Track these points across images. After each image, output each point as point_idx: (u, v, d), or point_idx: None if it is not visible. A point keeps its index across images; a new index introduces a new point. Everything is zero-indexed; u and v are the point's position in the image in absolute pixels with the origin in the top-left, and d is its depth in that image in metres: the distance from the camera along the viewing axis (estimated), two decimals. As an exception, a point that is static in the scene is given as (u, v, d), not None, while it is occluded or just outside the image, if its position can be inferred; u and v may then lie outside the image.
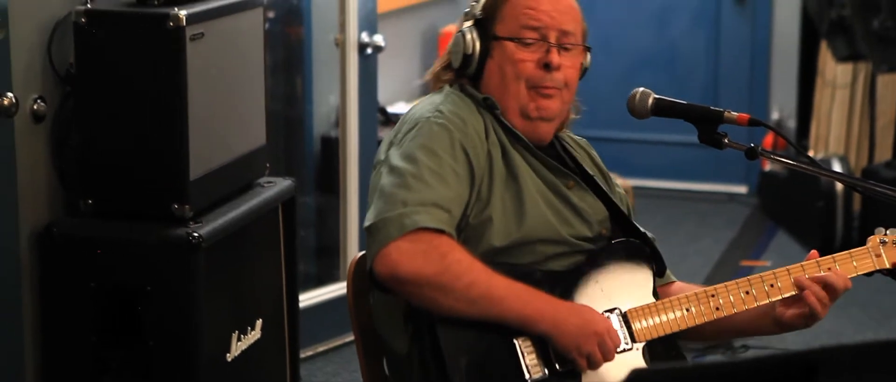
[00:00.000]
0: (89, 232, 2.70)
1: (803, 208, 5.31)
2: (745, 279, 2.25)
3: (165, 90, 2.64)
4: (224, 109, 2.83)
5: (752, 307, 2.22)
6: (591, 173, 2.36)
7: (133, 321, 2.68)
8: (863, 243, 2.34)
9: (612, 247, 2.26)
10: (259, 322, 2.98)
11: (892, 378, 1.51)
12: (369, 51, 4.10)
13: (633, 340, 2.18)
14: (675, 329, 2.20)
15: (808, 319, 2.22)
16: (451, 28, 5.40)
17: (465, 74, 2.29)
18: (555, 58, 2.25)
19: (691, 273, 4.54)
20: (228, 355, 2.84)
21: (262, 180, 3.05)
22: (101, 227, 2.70)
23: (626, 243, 2.28)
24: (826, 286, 2.20)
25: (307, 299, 3.98)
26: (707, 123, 2.14)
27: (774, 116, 6.19)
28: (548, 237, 2.21)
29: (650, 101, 2.24)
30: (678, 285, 2.40)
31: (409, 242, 2.06)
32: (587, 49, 2.32)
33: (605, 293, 2.20)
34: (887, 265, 2.30)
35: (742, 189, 6.31)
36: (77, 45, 2.68)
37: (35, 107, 2.68)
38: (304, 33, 4.21)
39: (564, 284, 2.17)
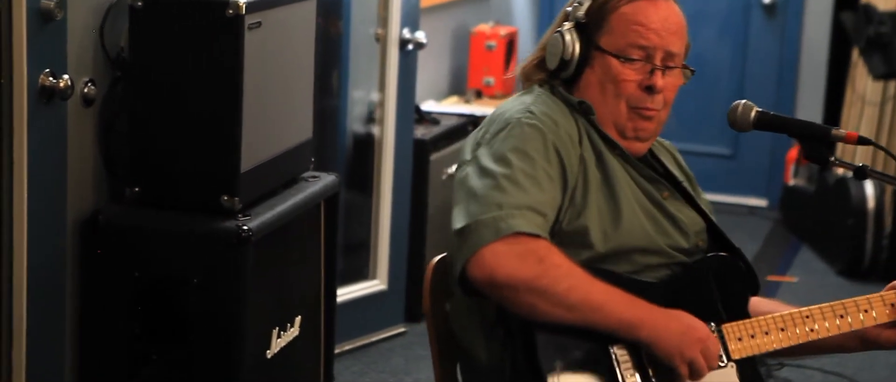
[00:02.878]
0: (135, 221, 2.64)
1: (831, 225, 5.25)
2: (839, 302, 2.22)
3: (221, 79, 2.58)
4: (276, 100, 2.77)
5: (846, 331, 2.20)
6: (679, 179, 2.30)
7: (176, 313, 2.63)
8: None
9: (708, 260, 2.21)
10: (298, 319, 2.92)
11: None
12: (410, 47, 4.04)
13: (728, 357, 2.13)
14: (769, 349, 2.16)
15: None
16: (483, 27, 5.36)
17: (558, 76, 2.22)
18: (658, 81, 2.18)
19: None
20: (268, 352, 2.78)
21: (307, 174, 3.00)
22: (148, 216, 2.64)
23: (722, 257, 2.22)
24: None
25: (343, 294, 3.92)
26: (813, 140, 2.08)
27: (800, 130, 6.13)
28: (645, 247, 2.15)
29: (753, 114, 2.18)
30: (754, 299, 2.36)
31: (506, 245, 1.99)
32: (689, 70, 2.25)
33: (699, 307, 2.14)
34: None
35: (762, 202, 6.26)
36: (132, 29, 2.63)
37: (86, 90, 2.62)
38: (343, 27, 4.15)
39: (659, 295, 2.11)
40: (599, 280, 2.03)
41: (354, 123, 4.29)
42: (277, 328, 2.82)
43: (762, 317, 2.17)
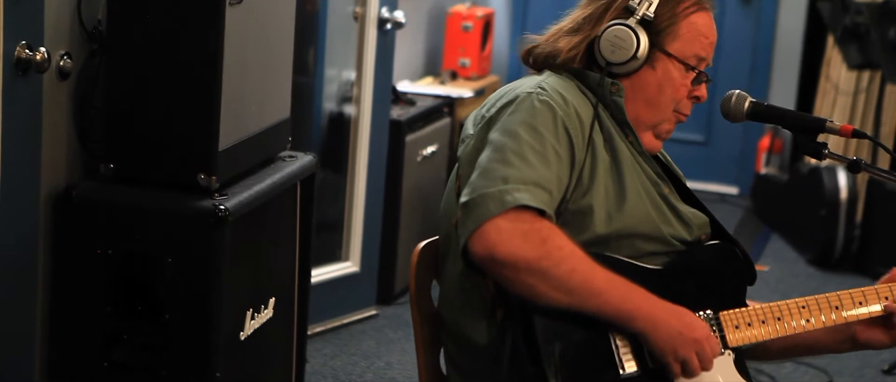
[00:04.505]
0: (110, 197, 2.59)
1: (803, 215, 5.26)
2: (834, 294, 2.21)
3: (200, 55, 2.53)
4: (255, 78, 2.73)
5: (841, 322, 2.19)
6: (678, 174, 2.30)
7: (150, 292, 2.58)
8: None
9: (707, 249, 2.19)
10: (272, 301, 2.88)
11: None
12: (388, 26, 4.00)
13: (725, 345, 2.12)
14: (766, 337, 2.15)
15: (893, 341, 2.21)
16: (460, 8, 5.32)
17: (613, 70, 2.17)
18: (704, 93, 2.22)
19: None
20: (242, 333, 2.74)
21: (284, 154, 2.96)
22: (123, 192, 2.59)
23: (721, 246, 2.21)
24: None
25: (317, 275, 3.88)
26: (807, 132, 2.05)
27: (772, 118, 6.14)
28: (647, 233, 2.13)
29: (746, 104, 2.17)
30: None
31: (509, 221, 1.95)
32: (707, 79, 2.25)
33: (697, 294, 2.13)
34: None
35: (733, 190, 6.27)
36: (110, 2, 2.57)
37: (61, 63, 2.57)
38: (321, 4, 4.10)
39: (659, 282, 2.09)
40: (602, 266, 2.01)
41: (329, 102, 4.24)
42: (251, 310, 2.78)
43: (759, 306, 2.16)
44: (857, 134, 1.98)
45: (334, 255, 4.14)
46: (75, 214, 2.58)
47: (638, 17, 2.15)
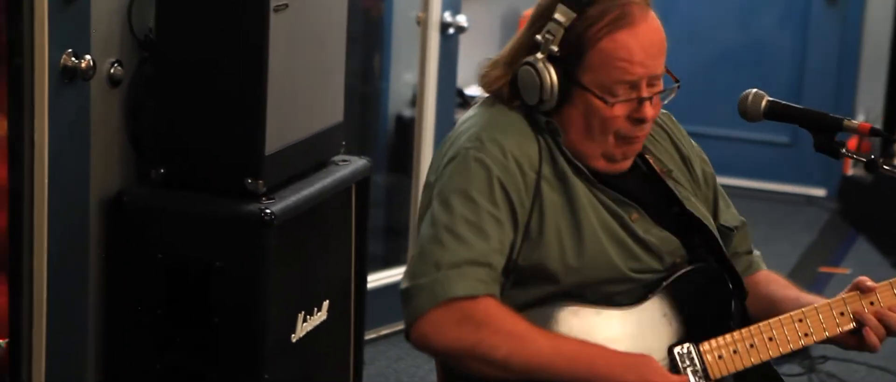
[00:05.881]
0: (160, 202, 2.63)
1: (888, 217, 5.15)
2: (838, 298, 2.11)
3: (246, 61, 2.56)
4: (303, 83, 2.75)
5: (846, 328, 2.09)
6: (669, 167, 2.19)
7: (200, 296, 2.62)
8: None
9: (682, 277, 2.09)
10: (326, 303, 2.90)
11: None
12: (451, 31, 4.00)
13: (708, 378, 2.04)
14: (757, 361, 2.05)
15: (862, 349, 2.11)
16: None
17: (538, 109, 2.07)
18: (649, 112, 2.05)
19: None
20: (293, 335, 2.77)
21: (337, 158, 2.98)
22: (172, 198, 2.63)
23: (695, 270, 2.11)
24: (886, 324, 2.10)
25: (373, 280, 3.89)
26: (824, 131, 2.00)
27: (860, 119, 6.01)
28: (610, 277, 2.05)
29: (763, 103, 2.09)
30: (764, 275, 2.27)
31: (443, 312, 1.95)
32: (676, 82, 2.10)
33: (674, 326, 2.05)
34: None
35: (821, 192, 6.15)
36: (158, 10, 2.62)
37: (112, 71, 2.62)
38: (385, 9, 4.12)
39: (626, 324, 2.03)
40: (546, 335, 1.96)
41: (395, 106, 4.26)
42: (303, 312, 2.80)
43: (747, 328, 2.06)
44: (874, 132, 1.93)
45: (401, 259, 4.15)
46: (126, 219, 2.63)
47: (545, 54, 2.02)
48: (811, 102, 5.22)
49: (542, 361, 1.94)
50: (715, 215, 2.26)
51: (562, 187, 2.05)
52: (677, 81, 2.09)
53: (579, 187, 2.06)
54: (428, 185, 2.11)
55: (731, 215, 2.29)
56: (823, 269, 5.00)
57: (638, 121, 2.05)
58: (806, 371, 3.74)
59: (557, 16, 2.01)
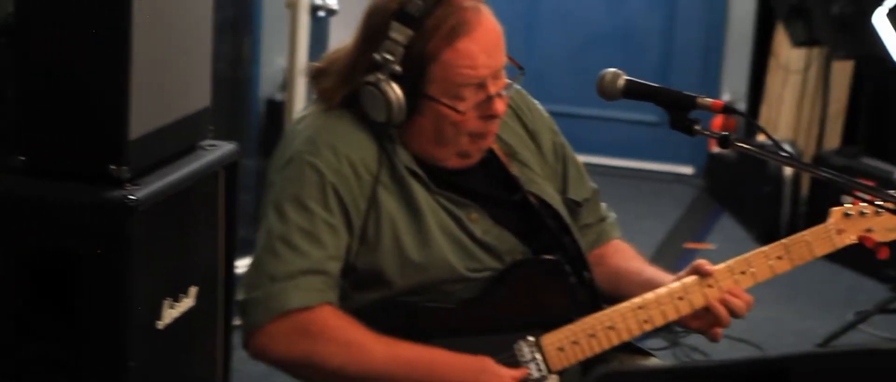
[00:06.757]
0: (20, 190, 2.58)
1: (750, 193, 5.29)
2: (679, 284, 2.15)
3: (108, 45, 2.53)
4: (168, 67, 2.72)
5: (685, 313, 2.14)
6: (515, 149, 2.21)
7: (62, 284, 2.58)
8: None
9: (516, 271, 2.12)
10: (193, 290, 2.88)
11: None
12: (321, 13, 4.00)
13: (549, 370, 2.07)
14: (598, 351, 2.09)
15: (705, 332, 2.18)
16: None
17: (384, 127, 2.08)
18: (499, 107, 2.08)
19: (636, 255, 4.48)
20: (159, 322, 2.74)
21: (205, 143, 2.96)
22: (33, 185, 2.59)
23: (532, 262, 2.14)
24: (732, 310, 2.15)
25: (243, 266, 3.87)
26: (679, 109, 2.05)
27: (725, 98, 6.16)
28: (449, 278, 2.08)
29: (621, 82, 2.13)
30: (613, 246, 2.32)
31: (278, 325, 2.00)
32: (519, 69, 2.12)
33: (514, 321, 2.08)
34: (853, 241, 2.21)
35: (689, 170, 6.29)
36: (16, -6, 2.57)
37: (-32, 57, 2.56)
38: (255, -7, 4.10)
39: (467, 320, 2.06)
40: (381, 343, 1.99)
41: (269, 91, 4.24)
42: (170, 299, 2.78)
43: (589, 318, 2.10)
44: (727, 109, 1.98)
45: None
46: (-15, 207, 2.58)
47: (387, 74, 2.02)
48: (678, 83, 5.34)
49: (378, 369, 1.98)
50: (565, 189, 2.29)
51: (400, 192, 2.07)
52: (521, 69, 2.12)
53: (419, 191, 2.08)
54: (269, 183, 2.11)
55: (581, 186, 2.32)
56: (689, 245, 5.12)
57: (489, 117, 2.08)
58: (670, 345, 3.83)
59: (394, 34, 2.01)
